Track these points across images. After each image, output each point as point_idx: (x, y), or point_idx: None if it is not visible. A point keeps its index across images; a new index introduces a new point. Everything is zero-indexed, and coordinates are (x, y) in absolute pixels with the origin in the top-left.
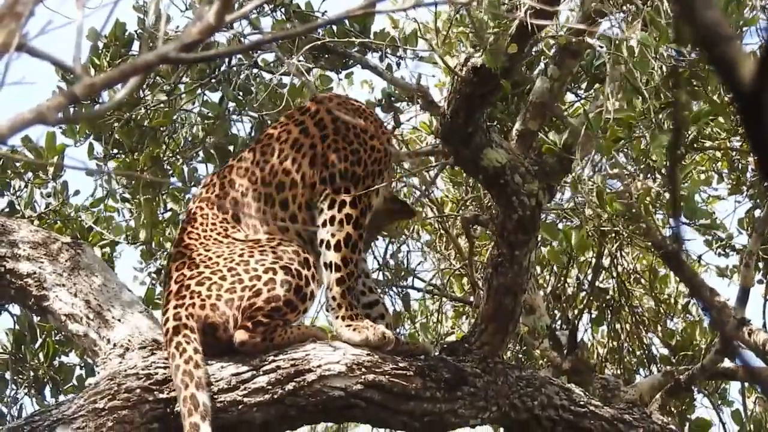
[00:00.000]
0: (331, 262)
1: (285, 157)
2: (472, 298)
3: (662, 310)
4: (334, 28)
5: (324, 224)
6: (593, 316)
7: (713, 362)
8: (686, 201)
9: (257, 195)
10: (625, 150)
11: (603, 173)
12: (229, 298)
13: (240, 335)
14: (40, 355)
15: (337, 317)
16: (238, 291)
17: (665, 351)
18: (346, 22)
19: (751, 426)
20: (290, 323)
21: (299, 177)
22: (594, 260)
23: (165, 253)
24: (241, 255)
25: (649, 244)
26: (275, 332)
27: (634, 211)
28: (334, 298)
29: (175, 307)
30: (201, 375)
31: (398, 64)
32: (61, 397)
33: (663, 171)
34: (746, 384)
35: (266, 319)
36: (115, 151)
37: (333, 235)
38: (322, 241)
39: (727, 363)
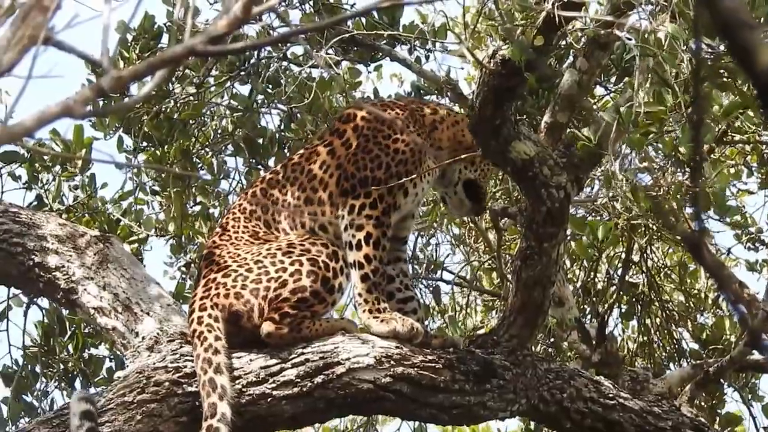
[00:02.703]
0: (354, 260)
1: (312, 177)
2: (501, 292)
3: (692, 305)
4: (363, 20)
5: (346, 228)
6: (623, 310)
7: (742, 354)
8: (716, 198)
9: (288, 206)
10: (655, 144)
11: (633, 167)
12: (254, 287)
13: (267, 326)
14: (70, 348)
15: (364, 311)
16: (263, 281)
17: (695, 345)
18: (375, 14)
19: None
20: (318, 315)
21: (326, 195)
22: (624, 255)
23: (195, 246)
24: (268, 250)
25: (677, 237)
26: (302, 324)
27: (660, 204)
28: (360, 295)
29: (201, 299)
30: (220, 360)
31: (427, 57)
32: (91, 390)
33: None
34: None
35: (293, 311)
36: (145, 144)
37: (354, 236)
38: (346, 243)
39: (756, 355)
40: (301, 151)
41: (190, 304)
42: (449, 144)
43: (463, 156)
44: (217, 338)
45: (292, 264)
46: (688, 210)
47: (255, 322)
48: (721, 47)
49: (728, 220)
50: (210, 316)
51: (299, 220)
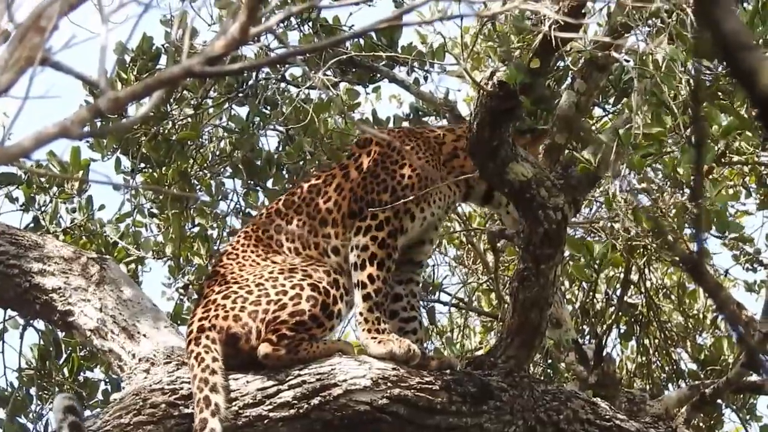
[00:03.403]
0: (358, 280)
1: (328, 198)
2: (498, 313)
3: (691, 325)
4: (362, 41)
5: (352, 249)
6: (622, 331)
7: (739, 375)
8: (718, 215)
9: (301, 225)
10: (654, 165)
11: (631, 188)
12: (253, 310)
13: (264, 348)
14: (65, 371)
15: (363, 330)
16: (263, 304)
17: (694, 366)
18: (374, 35)
19: None
20: (316, 338)
21: (339, 217)
22: (622, 275)
23: (193, 268)
24: (271, 272)
25: (675, 258)
26: (300, 346)
27: (661, 224)
28: (361, 314)
29: (200, 319)
30: (217, 381)
31: (425, 78)
32: (87, 413)
33: (691, 185)
34: None
35: (291, 333)
36: (143, 165)
37: (359, 256)
38: (351, 263)
39: (754, 377)
40: (321, 174)
41: (189, 324)
42: (472, 169)
43: (459, 177)
44: (214, 359)
45: (293, 288)
46: (687, 231)
47: (252, 344)
48: (719, 68)
49: (728, 237)
50: (208, 337)
51: (312, 241)
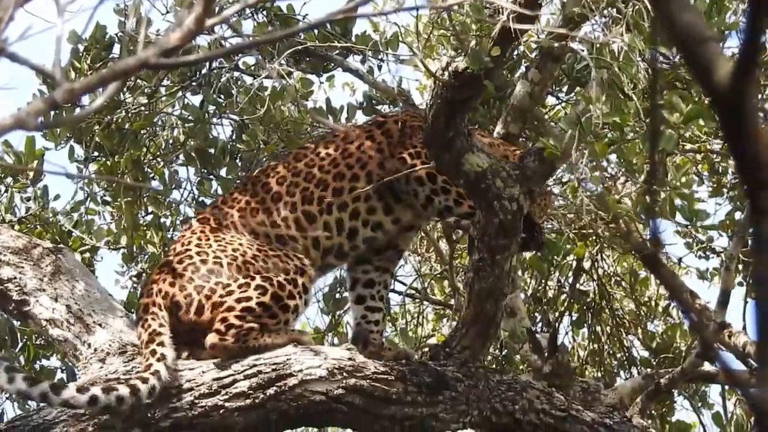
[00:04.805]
0: None
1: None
2: (452, 301)
3: (643, 313)
4: (316, 31)
5: None
6: (574, 318)
7: (693, 365)
8: (684, 200)
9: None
10: (617, 153)
11: (590, 177)
12: (199, 284)
13: (211, 338)
14: (21, 359)
15: None
16: (211, 282)
17: (646, 353)
18: (328, 25)
19: (732, 429)
20: (268, 328)
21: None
22: (575, 263)
23: (146, 256)
24: (234, 251)
25: (629, 246)
26: (249, 335)
27: (617, 213)
28: None
29: (152, 282)
30: (164, 339)
31: (379, 67)
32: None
33: (646, 173)
34: (726, 387)
35: (238, 321)
36: (96, 154)
37: None
38: None
39: (707, 366)
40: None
41: (145, 284)
42: None
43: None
44: (161, 325)
45: (245, 277)
46: (643, 218)
47: (191, 317)
48: (677, 58)
49: (697, 224)
50: (154, 303)
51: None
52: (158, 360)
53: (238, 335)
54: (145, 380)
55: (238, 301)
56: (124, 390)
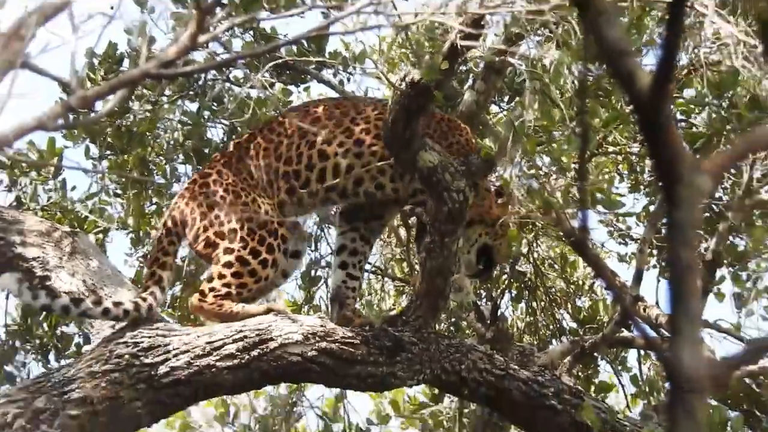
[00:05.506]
0: None
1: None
2: (410, 279)
3: (572, 290)
4: (294, 48)
5: None
6: (513, 295)
7: (613, 332)
8: (603, 193)
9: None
10: (545, 153)
11: (524, 173)
12: (202, 213)
13: (192, 299)
14: (45, 326)
15: None
16: (210, 216)
17: (574, 324)
18: (305, 43)
19: (646, 387)
20: (248, 288)
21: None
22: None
23: (151, 240)
24: (245, 204)
25: (561, 233)
26: (224, 301)
27: (549, 203)
28: None
29: (175, 202)
30: (166, 260)
31: (349, 80)
32: (63, 362)
33: (574, 169)
34: (643, 351)
35: (224, 288)
36: (108, 152)
37: None
38: None
39: (626, 333)
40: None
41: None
42: None
43: (377, 164)
44: (170, 242)
45: (239, 231)
46: (572, 209)
47: (189, 238)
48: (601, 70)
49: (615, 212)
50: (165, 225)
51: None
52: (155, 283)
53: (216, 299)
54: (144, 299)
55: (226, 252)
56: (129, 305)
